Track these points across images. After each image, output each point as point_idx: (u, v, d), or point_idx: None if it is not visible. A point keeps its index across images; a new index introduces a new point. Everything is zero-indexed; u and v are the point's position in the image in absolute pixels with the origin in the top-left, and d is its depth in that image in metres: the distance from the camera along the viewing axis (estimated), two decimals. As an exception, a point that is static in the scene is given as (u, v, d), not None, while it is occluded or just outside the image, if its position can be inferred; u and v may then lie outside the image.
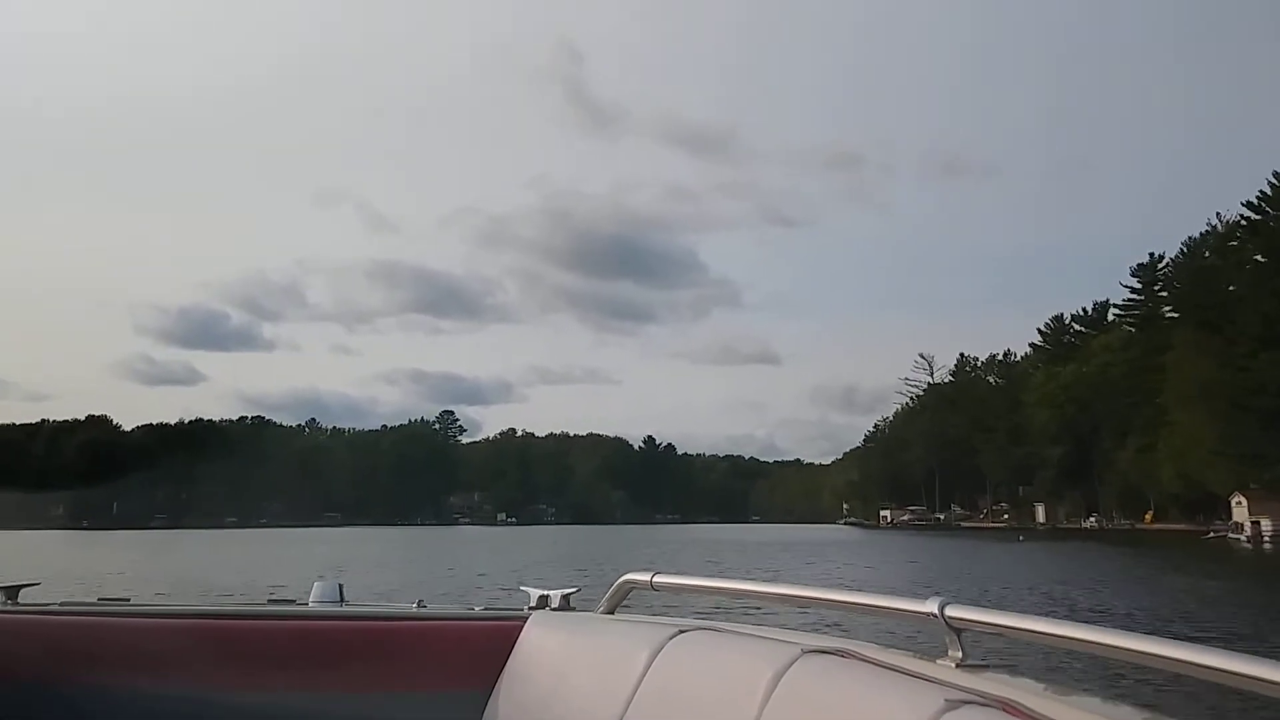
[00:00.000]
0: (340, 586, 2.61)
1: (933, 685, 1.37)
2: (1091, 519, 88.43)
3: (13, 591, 2.32)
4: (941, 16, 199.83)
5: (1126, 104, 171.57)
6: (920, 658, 1.57)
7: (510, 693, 2.25)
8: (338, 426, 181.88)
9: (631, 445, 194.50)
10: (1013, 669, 1.47)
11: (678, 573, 2.26)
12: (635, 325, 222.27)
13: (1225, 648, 1.20)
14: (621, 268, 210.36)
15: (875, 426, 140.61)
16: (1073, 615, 14.84)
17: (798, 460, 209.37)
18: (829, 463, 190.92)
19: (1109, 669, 7.34)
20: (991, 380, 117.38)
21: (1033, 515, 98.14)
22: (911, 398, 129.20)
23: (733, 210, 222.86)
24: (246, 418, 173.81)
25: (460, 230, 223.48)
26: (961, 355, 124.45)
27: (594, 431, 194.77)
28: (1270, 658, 1.14)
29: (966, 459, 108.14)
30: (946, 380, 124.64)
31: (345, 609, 2.52)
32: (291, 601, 2.58)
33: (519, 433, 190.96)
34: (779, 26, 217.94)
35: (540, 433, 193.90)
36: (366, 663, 2.30)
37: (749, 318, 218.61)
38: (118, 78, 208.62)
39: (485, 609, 2.57)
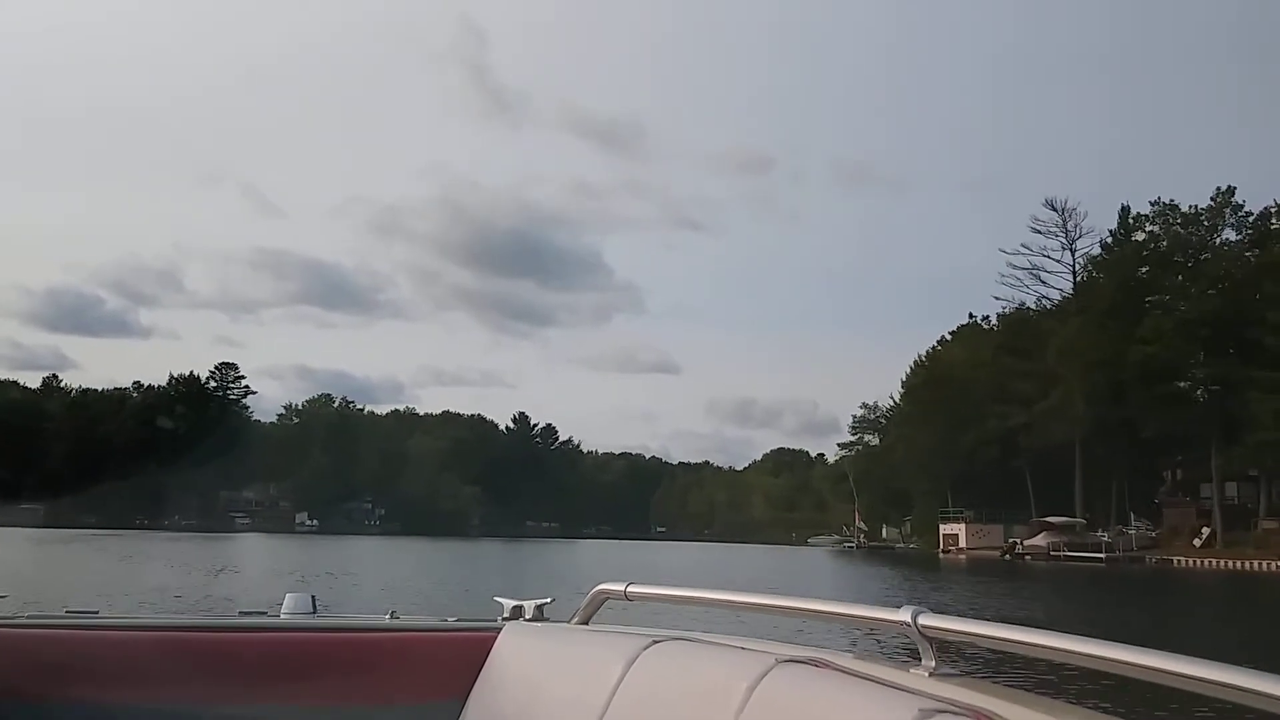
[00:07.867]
0: (313, 598, 2.55)
1: (906, 694, 1.36)
2: None
3: None
4: (856, 20, 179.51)
5: (1045, 121, 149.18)
6: (894, 667, 1.56)
7: (484, 704, 2.25)
8: (85, 386, 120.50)
9: (497, 426, 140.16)
10: (986, 677, 1.46)
11: (652, 582, 2.27)
12: (534, 328, 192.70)
13: (1202, 656, 1.16)
14: (521, 266, 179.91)
15: (917, 361, 76.66)
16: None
17: (707, 462, 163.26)
18: (743, 468, 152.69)
19: (1083, 678, 7.13)
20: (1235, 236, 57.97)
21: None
22: (1020, 306, 68.84)
23: (639, 210, 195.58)
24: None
25: (352, 220, 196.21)
26: (1124, 207, 63.82)
27: (449, 409, 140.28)
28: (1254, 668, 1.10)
29: (1148, 423, 54.52)
30: (1096, 257, 64.27)
31: (318, 621, 2.48)
32: (264, 613, 2.55)
33: (337, 402, 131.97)
34: (693, 22, 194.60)
35: (380, 409, 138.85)
36: (340, 675, 2.29)
37: (651, 325, 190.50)
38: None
39: (459, 620, 2.52)
